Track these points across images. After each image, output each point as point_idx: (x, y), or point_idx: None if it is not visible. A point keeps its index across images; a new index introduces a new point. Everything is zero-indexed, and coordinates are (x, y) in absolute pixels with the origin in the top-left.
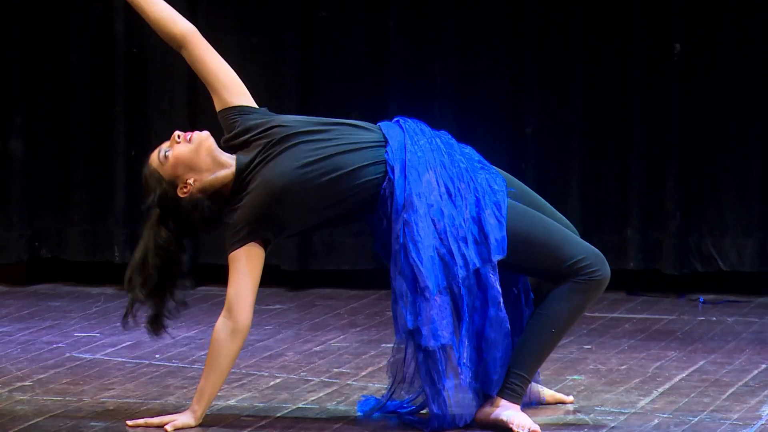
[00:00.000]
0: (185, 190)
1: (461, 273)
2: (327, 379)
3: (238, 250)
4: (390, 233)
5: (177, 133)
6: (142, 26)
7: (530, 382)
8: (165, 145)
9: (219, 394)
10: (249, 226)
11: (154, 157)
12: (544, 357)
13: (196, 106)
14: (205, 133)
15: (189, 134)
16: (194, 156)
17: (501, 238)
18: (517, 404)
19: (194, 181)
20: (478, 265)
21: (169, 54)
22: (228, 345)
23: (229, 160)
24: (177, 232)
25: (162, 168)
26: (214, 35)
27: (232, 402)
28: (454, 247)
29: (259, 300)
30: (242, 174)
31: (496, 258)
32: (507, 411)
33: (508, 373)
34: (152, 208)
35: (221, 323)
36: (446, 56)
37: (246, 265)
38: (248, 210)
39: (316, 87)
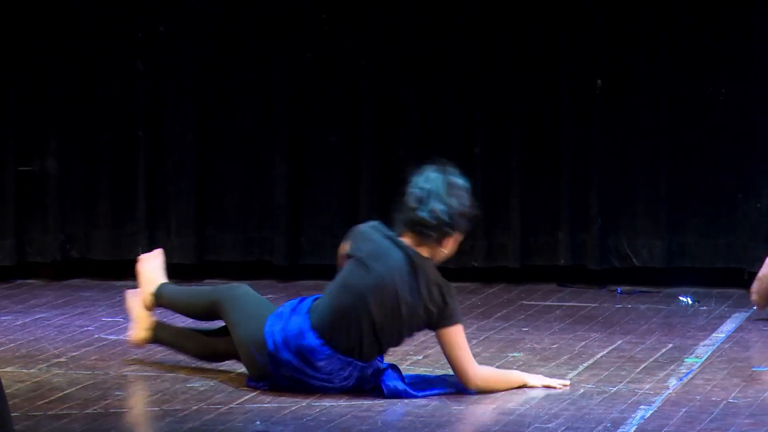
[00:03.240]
0: None
1: None
2: None
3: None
4: None
5: None
6: (158, 63)
7: None
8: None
9: (229, 363)
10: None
11: None
12: None
13: (202, 131)
14: None
15: None
16: None
17: None
18: None
19: None
20: None
21: (180, 87)
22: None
23: None
24: None
25: None
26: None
27: (241, 369)
28: None
29: (256, 289)
30: None
31: None
32: None
33: None
34: None
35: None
36: (409, 90)
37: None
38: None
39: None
